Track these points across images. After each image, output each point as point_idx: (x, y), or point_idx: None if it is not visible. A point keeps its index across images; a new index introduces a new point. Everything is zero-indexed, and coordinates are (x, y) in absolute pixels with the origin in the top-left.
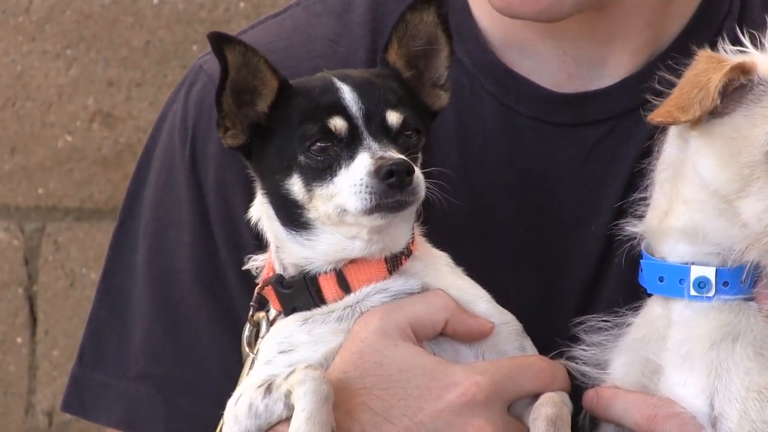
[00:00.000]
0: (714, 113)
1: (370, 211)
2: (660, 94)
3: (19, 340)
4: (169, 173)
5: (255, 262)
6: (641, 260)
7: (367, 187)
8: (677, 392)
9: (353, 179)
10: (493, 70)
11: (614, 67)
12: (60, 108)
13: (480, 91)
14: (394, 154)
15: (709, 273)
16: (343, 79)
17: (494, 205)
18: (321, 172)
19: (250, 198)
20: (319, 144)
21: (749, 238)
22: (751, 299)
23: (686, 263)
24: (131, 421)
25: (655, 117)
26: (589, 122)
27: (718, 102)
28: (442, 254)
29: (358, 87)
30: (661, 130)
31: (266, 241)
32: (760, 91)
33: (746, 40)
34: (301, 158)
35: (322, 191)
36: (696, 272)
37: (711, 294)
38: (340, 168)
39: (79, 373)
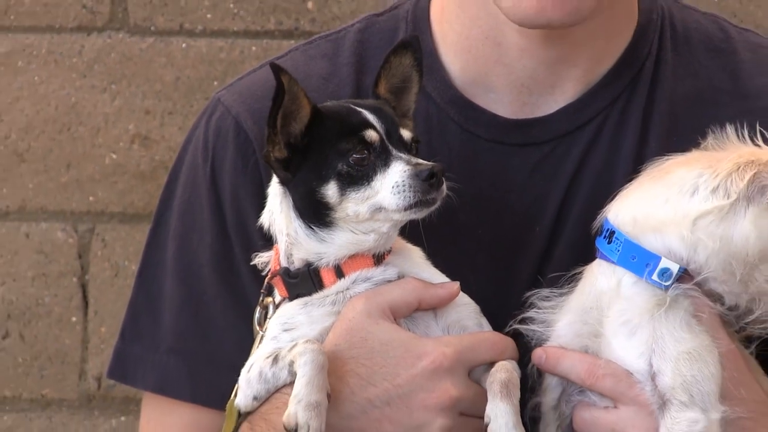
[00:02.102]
0: None
1: (409, 207)
2: (593, 119)
3: (73, 319)
4: (193, 186)
5: (260, 258)
6: (615, 236)
7: (410, 187)
8: (618, 354)
9: (393, 181)
10: (457, 102)
11: (559, 93)
12: (106, 132)
13: (446, 119)
14: (425, 161)
15: (674, 267)
16: (359, 106)
17: (459, 212)
18: (358, 179)
19: (259, 206)
20: (357, 155)
21: (750, 292)
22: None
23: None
24: (163, 387)
25: None
26: (535, 143)
27: None
28: (416, 248)
29: (374, 111)
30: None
31: (275, 240)
32: None
33: None
34: (342, 168)
35: (357, 194)
36: (664, 263)
37: (668, 283)
38: (376, 174)
39: (121, 347)
